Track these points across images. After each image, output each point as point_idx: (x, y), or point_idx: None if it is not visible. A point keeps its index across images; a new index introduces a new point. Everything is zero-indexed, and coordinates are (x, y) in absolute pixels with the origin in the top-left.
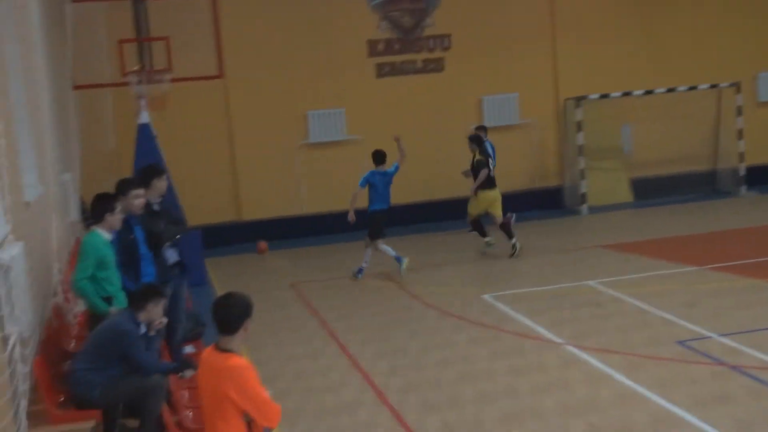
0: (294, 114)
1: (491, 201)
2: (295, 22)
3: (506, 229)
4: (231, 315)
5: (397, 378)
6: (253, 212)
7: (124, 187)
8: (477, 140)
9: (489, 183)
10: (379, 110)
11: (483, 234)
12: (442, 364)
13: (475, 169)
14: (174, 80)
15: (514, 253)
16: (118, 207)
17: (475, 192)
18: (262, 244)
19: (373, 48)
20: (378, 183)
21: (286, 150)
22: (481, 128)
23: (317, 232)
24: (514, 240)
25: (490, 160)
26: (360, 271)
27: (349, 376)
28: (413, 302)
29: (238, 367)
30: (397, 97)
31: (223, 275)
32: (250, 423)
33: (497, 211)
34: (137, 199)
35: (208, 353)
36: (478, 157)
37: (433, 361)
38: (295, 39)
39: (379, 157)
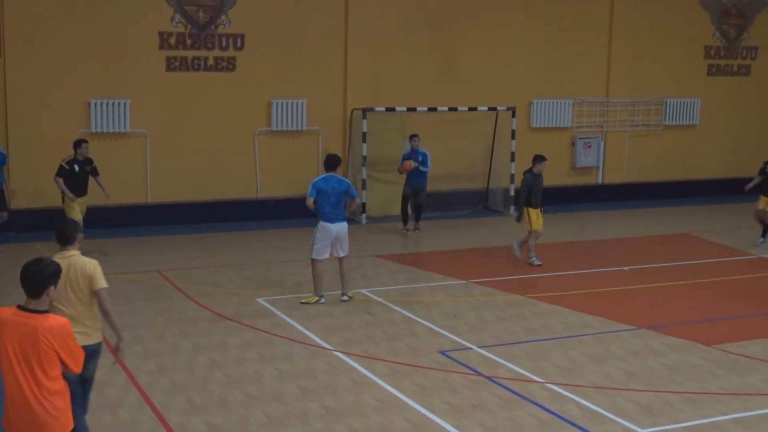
0: (75, 101)
1: None
2: (82, 4)
3: None
4: (38, 278)
5: (164, 378)
6: (23, 200)
7: None
8: None
9: None
10: (167, 105)
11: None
12: (212, 366)
13: None
14: None
15: None
16: None
17: None
18: None
19: (164, 40)
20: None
21: (63, 138)
22: None
23: (89, 225)
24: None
25: None
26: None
27: (113, 374)
28: (187, 302)
29: (63, 325)
30: (187, 92)
31: None
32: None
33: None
34: None
35: (12, 314)
36: None
37: (202, 363)
38: (81, 22)
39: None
